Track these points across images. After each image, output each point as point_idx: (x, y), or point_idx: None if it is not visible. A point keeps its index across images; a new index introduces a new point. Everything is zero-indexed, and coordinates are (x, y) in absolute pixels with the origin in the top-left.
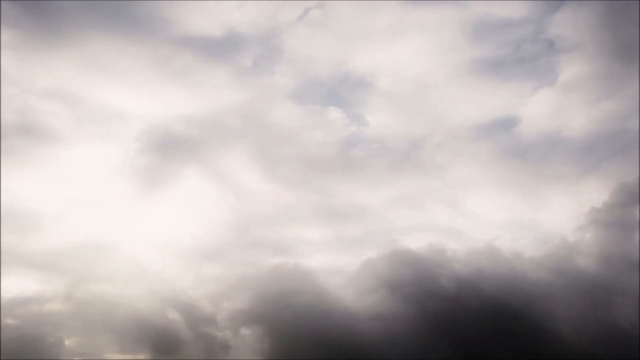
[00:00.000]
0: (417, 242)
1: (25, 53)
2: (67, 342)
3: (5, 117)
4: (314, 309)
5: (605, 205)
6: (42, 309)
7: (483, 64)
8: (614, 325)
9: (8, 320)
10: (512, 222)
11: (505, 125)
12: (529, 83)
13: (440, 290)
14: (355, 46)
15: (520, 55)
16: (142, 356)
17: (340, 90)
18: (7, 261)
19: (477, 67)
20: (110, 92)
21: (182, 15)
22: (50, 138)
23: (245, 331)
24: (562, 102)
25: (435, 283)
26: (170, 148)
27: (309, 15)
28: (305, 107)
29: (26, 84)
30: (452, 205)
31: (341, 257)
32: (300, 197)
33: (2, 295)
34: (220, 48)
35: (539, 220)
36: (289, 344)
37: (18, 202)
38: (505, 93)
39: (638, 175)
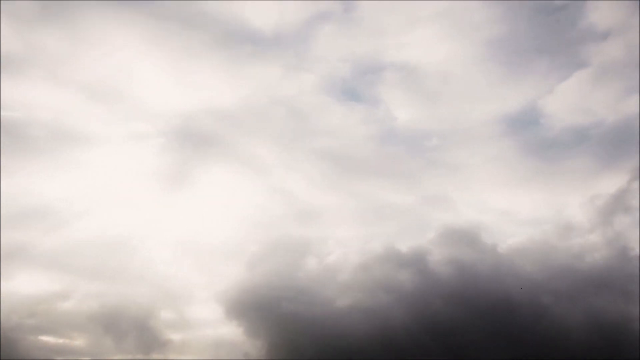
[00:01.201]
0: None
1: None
2: (78, 341)
3: (32, 115)
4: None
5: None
6: (55, 308)
7: (507, 52)
8: None
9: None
10: (537, 218)
11: (530, 117)
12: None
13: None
14: (382, 41)
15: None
16: (154, 356)
17: (369, 86)
18: (25, 259)
19: (501, 56)
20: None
21: (220, 13)
22: (79, 136)
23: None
24: (589, 92)
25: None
26: (201, 143)
27: (337, 13)
28: (336, 102)
29: (56, 80)
30: (477, 202)
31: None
32: (332, 195)
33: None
34: (256, 44)
35: (563, 216)
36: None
37: (40, 200)
38: (530, 82)
39: None
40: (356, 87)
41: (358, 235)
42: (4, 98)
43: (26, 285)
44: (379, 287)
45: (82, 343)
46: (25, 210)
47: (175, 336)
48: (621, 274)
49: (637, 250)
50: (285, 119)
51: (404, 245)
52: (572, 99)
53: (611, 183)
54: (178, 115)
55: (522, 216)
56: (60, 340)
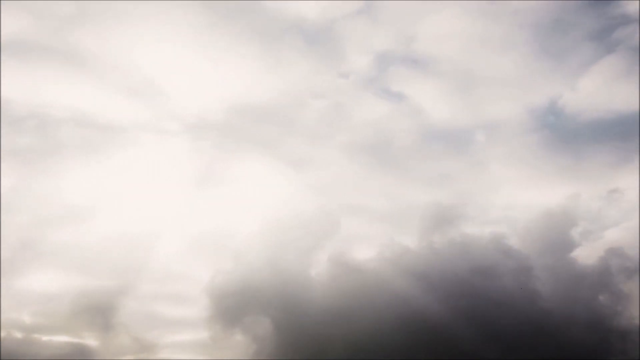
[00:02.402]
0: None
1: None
2: (90, 341)
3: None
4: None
5: None
6: (68, 306)
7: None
8: None
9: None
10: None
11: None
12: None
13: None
14: (410, 34)
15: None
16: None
17: (401, 80)
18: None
19: (527, 45)
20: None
21: (256, 5)
22: (114, 132)
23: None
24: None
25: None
26: (235, 138)
27: (368, 7)
28: (371, 96)
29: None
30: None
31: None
32: (365, 190)
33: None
34: (294, 37)
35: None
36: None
37: (65, 198)
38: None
39: None
40: (389, 81)
41: (386, 231)
42: (33, 96)
43: (42, 283)
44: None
45: (93, 342)
46: (52, 208)
47: (182, 336)
48: None
49: None
50: (320, 112)
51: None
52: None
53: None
54: (213, 109)
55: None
56: (73, 340)
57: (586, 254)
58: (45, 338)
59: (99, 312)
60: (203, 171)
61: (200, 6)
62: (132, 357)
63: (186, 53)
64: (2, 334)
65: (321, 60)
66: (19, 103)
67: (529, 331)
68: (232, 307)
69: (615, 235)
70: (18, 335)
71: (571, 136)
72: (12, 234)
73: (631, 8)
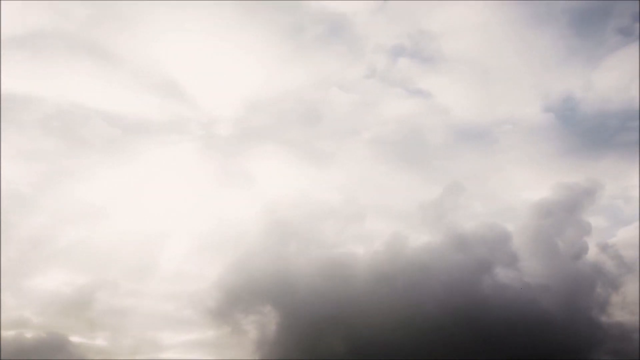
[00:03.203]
0: None
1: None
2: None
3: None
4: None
5: None
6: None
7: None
8: None
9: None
10: None
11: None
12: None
13: None
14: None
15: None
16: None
17: (420, 76)
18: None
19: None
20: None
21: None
22: (134, 130)
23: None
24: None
25: None
26: (260, 133)
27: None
28: (392, 92)
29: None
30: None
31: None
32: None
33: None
34: (317, 32)
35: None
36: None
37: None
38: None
39: None
40: (410, 77)
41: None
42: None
43: (53, 282)
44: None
45: (104, 342)
46: (70, 207)
47: (189, 335)
48: None
49: None
50: (344, 108)
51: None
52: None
53: None
54: (236, 105)
55: None
56: (88, 341)
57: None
58: (54, 337)
59: (109, 312)
60: (225, 168)
61: (225, 3)
62: (139, 357)
63: (210, 50)
64: (12, 333)
65: (344, 55)
66: (46, 101)
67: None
68: (242, 301)
69: (630, 233)
70: (27, 334)
71: (588, 131)
72: (26, 232)
73: None
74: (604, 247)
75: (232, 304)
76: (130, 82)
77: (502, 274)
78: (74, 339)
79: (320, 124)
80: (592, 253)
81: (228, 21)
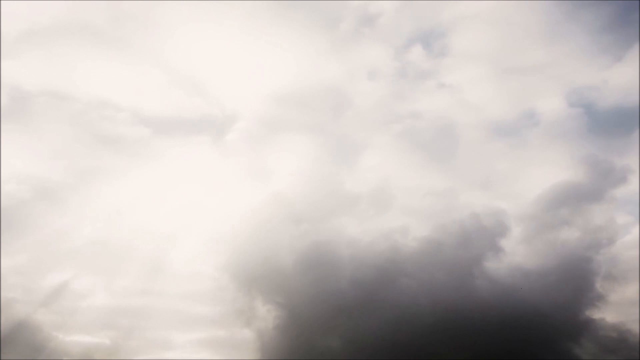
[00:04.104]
0: None
1: None
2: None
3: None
4: None
5: None
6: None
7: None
8: None
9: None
10: None
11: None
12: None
13: None
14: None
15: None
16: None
17: (449, 69)
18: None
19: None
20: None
21: None
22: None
23: None
24: None
25: None
26: (288, 125)
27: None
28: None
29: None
30: None
31: None
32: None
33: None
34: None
35: None
36: None
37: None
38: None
39: None
40: (440, 71)
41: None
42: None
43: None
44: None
45: (110, 342)
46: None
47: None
48: None
49: None
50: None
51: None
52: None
53: None
54: (267, 100)
55: None
56: (93, 339)
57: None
58: (66, 337)
59: (120, 312)
60: (254, 164)
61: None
62: (147, 357)
63: (240, 46)
64: (25, 333)
65: (375, 49)
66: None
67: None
68: (254, 298)
69: None
70: (40, 333)
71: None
72: (46, 231)
73: None
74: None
75: (243, 301)
76: (160, 80)
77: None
78: (83, 338)
79: (350, 116)
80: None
81: (259, 18)
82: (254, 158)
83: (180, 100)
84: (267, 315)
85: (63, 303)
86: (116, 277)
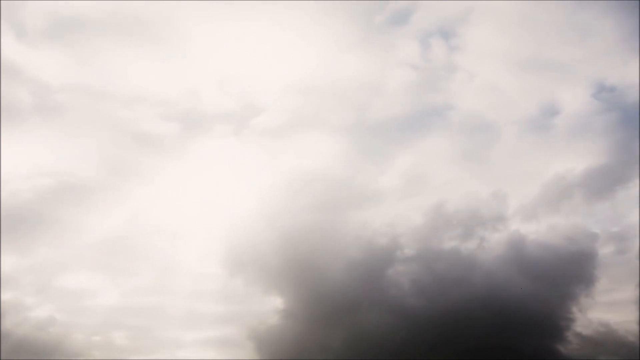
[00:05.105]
0: None
1: None
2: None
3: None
4: None
5: None
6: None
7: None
8: None
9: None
10: None
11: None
12: None
13: None
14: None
15: None
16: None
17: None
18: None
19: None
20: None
21: None
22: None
23: None
24: None
25: None
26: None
27: None
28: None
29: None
30: None
31: None
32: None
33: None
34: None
35: None
36: None
37: None
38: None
39: None
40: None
41: None
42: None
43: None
44: None
45: (124, 342)
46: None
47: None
48: None
49: None
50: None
51: None
52: None
53: None
54: (294, 94)
55: None
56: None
57: None
58: (78, 336)
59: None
60: (280, 160)
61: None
62: (160, 357)
63: (270, 40)
64: (35, 331)
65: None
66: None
67: None
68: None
69: None
70: (51, 333)
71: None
72: (63, 229)
73: None
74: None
75: (253, 300)
76: (188, 75)
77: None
78: (95, 337)
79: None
80: None
81: (293, 15)
82: (282, 152)
83: (211, 95)
84: (276, 313)
85: (75, 302)
86: (129, 276)
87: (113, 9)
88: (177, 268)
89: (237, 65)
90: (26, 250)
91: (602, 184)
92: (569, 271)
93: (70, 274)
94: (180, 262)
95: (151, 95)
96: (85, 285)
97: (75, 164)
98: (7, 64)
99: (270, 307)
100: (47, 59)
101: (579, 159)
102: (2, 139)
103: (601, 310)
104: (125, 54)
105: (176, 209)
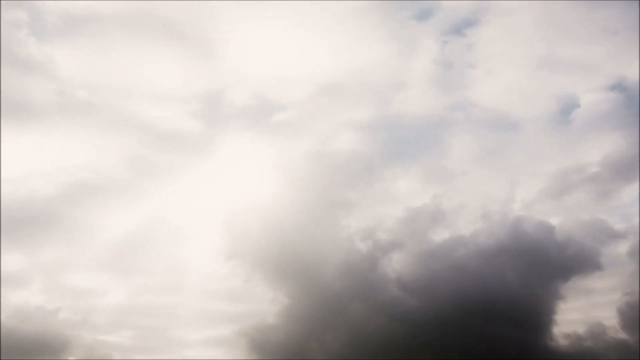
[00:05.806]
0: None
1: None
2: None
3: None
4: None
5: None
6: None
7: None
8: None
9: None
10: None
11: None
12: None
13: None
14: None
15: None
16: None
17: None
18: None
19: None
20: None
21: None
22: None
23: None
24: None
25: None
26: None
27: None
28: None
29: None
30: None
31: None
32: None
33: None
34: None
35: None
36: None
37: None
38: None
39: None
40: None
41: None
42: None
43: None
44: None
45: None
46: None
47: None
48: None
49: None
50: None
51: None
52: None
53: None
54: (318, 88)
55: None
56: (114, 339)
57: None
58: (86, 336)
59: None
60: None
61: None
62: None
63: (296, 38)
64: (43, 329)
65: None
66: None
67: None
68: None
69: None
70: (59, 332)
71: None
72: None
73: None
74: None
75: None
76: (213, 74)
77: None
78: (104, 337)
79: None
80: None
81: (316, 13)
82: (303, 149)
83: (236, 94)
84: (282, 312)
85: (84, 301)
86: (137, 275)
87: (139, 7)
88: (186, 268)
89: (259, 62)
90: (37, 248)
91: (617, 178)
92: (568, 267)
93: (80, 273)
94: (189, 262)
95: (175, 94)
96: (93, 285)
97: (96, 162)
98: (30, 61)
99: (273, 307)
100: (71, 57)
101: (595, 154)
102: (23, 135)
103: (597, 308)
104: (149, 53)
105: (193, 209)
